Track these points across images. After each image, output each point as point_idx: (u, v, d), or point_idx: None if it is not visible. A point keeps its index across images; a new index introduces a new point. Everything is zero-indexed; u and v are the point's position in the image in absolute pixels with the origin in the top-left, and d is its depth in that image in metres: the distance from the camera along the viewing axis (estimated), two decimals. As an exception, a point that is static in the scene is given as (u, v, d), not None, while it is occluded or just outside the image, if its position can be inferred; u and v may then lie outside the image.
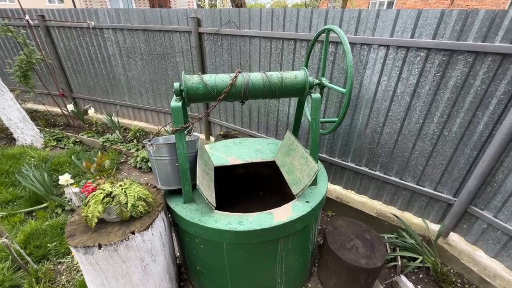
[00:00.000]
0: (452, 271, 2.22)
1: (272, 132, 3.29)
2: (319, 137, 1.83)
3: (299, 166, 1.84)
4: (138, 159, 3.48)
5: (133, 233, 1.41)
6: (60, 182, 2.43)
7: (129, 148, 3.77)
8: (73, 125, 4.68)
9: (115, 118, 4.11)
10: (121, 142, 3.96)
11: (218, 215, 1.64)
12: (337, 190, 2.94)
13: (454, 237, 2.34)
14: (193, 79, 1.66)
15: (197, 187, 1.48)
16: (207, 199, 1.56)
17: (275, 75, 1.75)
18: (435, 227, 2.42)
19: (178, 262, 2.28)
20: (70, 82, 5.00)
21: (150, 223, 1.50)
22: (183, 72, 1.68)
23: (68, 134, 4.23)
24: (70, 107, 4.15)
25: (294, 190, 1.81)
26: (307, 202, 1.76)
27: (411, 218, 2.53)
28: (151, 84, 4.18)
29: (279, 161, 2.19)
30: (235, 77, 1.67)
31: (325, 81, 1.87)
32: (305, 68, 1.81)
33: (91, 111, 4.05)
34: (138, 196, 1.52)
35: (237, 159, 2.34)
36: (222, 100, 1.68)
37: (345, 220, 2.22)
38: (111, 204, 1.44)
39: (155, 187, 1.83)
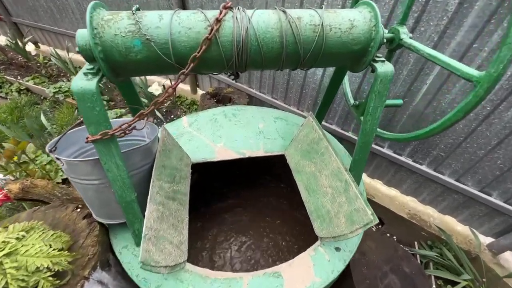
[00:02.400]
0: (497, 298, 1.77)
1: (279, 95, 2.38)
2: (373, 136, 1.01)
3: (330, 190, 1.09)
4: (101, 120, 2.64)
5: None
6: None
7: (89, 103, 2.87)
8: (18, 64, 3.58)
9: (66, 55, 3.04)
10: (79, 93, 3.01)
11: (191, 277, 0.98)
12: (359, 178, 2.27)
13: (506, 255, 1.81)
14: (117, 23, 0.72)
15: (142, 265, 0.76)
16: (168, 266, 0.86)
17: (307, 18, 0.80)
18: (483, 239, 1.87)
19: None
20: (3, 0, 3.62)
21: (64, 311, 0.84)
22: (94, 2, 0.72)
23: (9, 78, 3.22)
24: (2, 40, 3.00)
25: (318, 228, 1.11)
26: (337, 249, 1.09)
27: (453, 224, 1.96)
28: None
29: (292, 160, 1.42)
30: (218, 20, 0.73)
31: (406, 36, 0.91)
32: (372, 3, 0.83)
33: (30, 47, 2.94)
34: (36, 267, 0.81)
35: (227, 149, 1.56)
36: (190, 73, 0.79)
37: (376, 240, 1.62)
38: (-26, 291, 0.74)
39: (87, 216, 1.11)
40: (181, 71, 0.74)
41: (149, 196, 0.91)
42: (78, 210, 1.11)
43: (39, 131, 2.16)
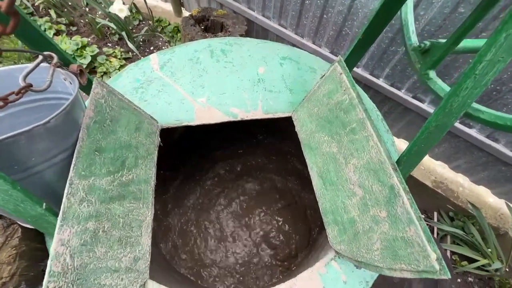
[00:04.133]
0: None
1: (290, 21, 1.72)
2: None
3: (360, 191, 0.71)
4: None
5: None
6: None
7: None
8: None
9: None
10: (30, 13, 2.32)
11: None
12: (381, 136, 1.86)
13: (541, 232, 1.57)
14: None
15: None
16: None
17: None
18: (517, 214, 1.60)
19: None
20: None
21: None
22: None
23: None
24: None
25: (334, 238, 0.79)
26: (357, 266, 0.79)
27: (485, 196, 1.66)
28: None
29: (303, 129, 1.00)
30: None
31: None
32: None
33: None
34: None
35: (212, 106, 1.11)
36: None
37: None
38: None
39: (2, 215, 0.77)
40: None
41: (60, 216, 0.54)
42: None
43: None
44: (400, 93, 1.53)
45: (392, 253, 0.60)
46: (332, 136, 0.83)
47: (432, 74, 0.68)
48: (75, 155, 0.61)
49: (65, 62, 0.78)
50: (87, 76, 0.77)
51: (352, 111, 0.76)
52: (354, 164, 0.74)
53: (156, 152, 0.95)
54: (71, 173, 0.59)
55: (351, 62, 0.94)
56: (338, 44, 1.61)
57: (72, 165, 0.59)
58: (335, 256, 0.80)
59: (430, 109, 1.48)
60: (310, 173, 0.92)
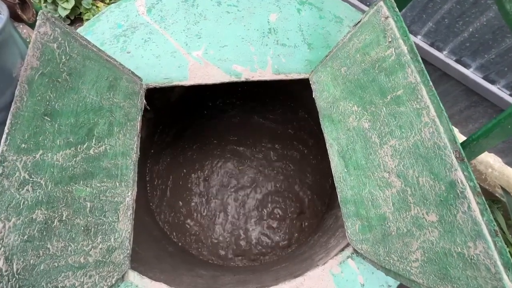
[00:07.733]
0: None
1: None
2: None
3: (398, 182, 0.53)
4: (40, -7, 1.76)
5: None
6: None
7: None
8: None
9: None
10: None
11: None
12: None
13: None
14: None
15: None
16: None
17: None
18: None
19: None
20: None
21: None
22: None
23: None
24: None
25: (353, 235, 0.64)
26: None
27: (516, 179, 1.48)
28: None
29: (323, 95, 0.79)
30: None
31: None
32: None
33: None
34: None
35: (209, 62, 0.89)
36: None
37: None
38: None
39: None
40: None
41: None
42: None
43: None
44: (441, 55, 1.26)
45: (439, 270, 0.45)
46: (364, 106, 0.62)
47: (535, 17, 0.45)
48: (8, 121, 0.43)
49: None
50: (35, 8, 0.56)
51: (398, 72, 0.54)
52: (393, 146, 0.55)
53: (140, 118, 0.77)
54: (2, 146, 0.42)
55: (398, 5, 0.69)
56: (371, -11, 1.29)
57: (4, 135, 0.43)
58: (352, 253, 0.66)
59: (476, 76, 1.22)
60: (328, 152, 0.74)
